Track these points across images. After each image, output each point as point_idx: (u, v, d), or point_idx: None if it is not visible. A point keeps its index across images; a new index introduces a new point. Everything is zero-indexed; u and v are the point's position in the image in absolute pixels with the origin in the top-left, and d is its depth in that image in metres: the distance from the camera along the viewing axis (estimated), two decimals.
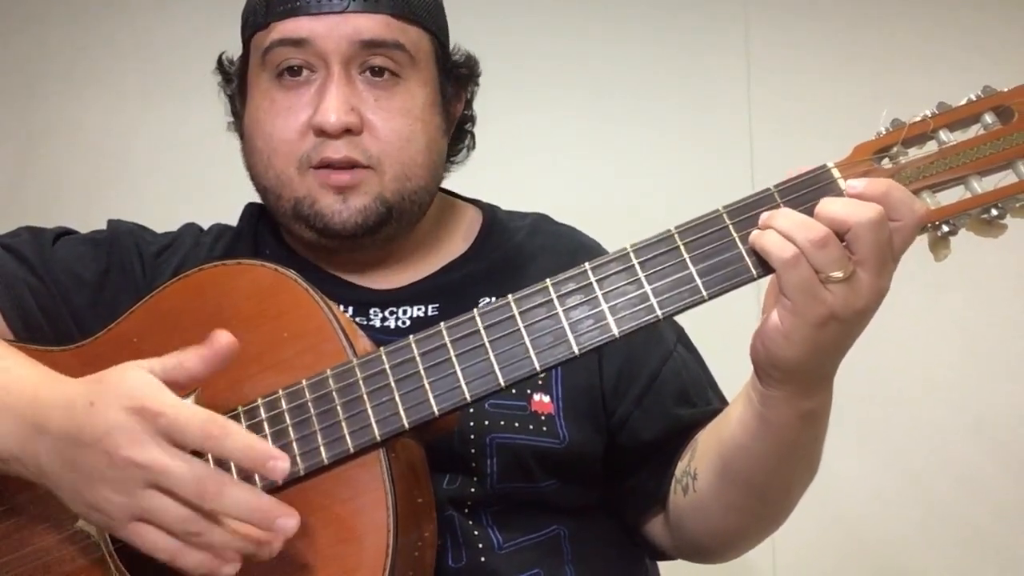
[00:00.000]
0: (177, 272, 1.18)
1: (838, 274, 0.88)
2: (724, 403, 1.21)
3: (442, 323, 0.98)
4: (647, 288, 0.94)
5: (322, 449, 0.96)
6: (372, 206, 1.16)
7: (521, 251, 1.27)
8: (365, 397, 0.96)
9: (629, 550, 1.23)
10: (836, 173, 0.92)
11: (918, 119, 0.92)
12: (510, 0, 2.25)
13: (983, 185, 0.91)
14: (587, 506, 1.18)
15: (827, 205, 0.90)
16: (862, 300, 0.90)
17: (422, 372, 0.97)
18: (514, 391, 1.12)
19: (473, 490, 1.12)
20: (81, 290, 1.21)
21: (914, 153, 0.93)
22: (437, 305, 1.21)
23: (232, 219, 1.34)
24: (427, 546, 1.00)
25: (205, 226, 1.34)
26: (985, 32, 2.12)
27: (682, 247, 0.94)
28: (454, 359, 0.96)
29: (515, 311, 0.96)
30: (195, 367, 0.93)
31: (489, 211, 1.33)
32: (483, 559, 1.10)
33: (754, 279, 0.93)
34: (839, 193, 0.91)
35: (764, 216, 0.92)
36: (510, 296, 0.97)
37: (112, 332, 1.09)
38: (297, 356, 1.00)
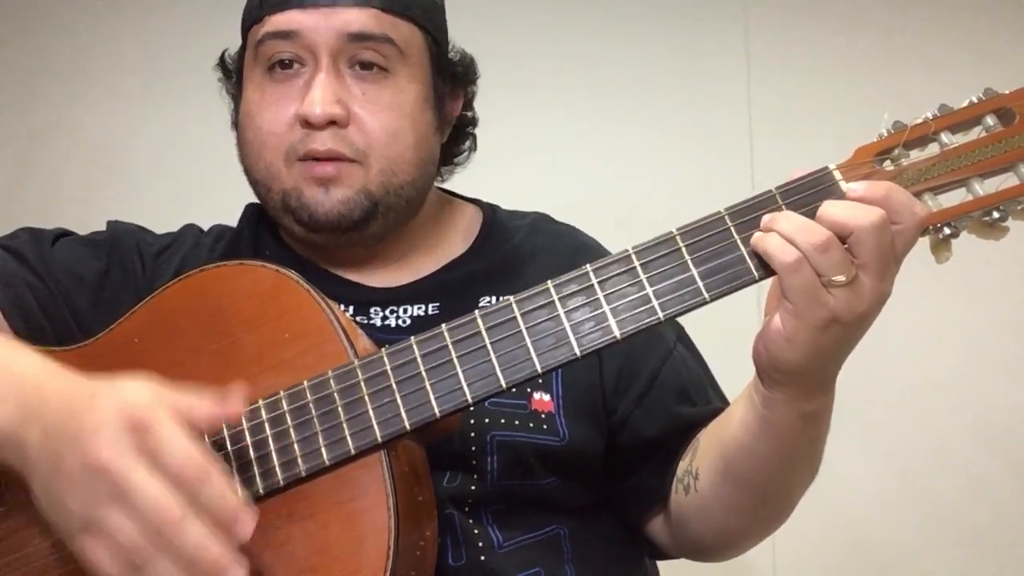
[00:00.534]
0: (178, 273, 1.18)
1: (840, 278, 0.88)
2: (724, 402, 1.21)
3: (443, 324, 0.98)
4: (649, 290, 0.94)
5: (323, 450, 0.95)
6: (355, 198, 1.16)
7: (521, 250, 1.27)
8: (366, 398, 0.96)
9: (629, 549, 1.23)
10: (838, 175, 0.92)
11: (919, 121, 0.92)
12: (510, 0, 2.25)
13: (985, 187, 0.91)
14: (587, 505, 1.18)
15: (829, 208, 0.90)
16: (864, 304, 0.90)
17: (423, 373, 0.96)
18: (514, 389, 1.13)
19: (473, 488, 1.12)
20: (82, 290, 1.21)
21: (915, 155, 0.93)
22: (437, 304, 1.21)
23: (232, 220, 1.33)
24: (428, 545, 1.00)
25: (205, 227, 1.34)
26: (986, 34, 2.12)
27: (684, 249, 0.94)
28: (455, 360, 0.96)
29: (517, 312, 0.96)
30: (201, 420, 0.89)
31: (489, 211, 1.33)
32: (483, 558, 1.10)
33: (756, 281, 0.93)
34: (841, 195, 0.91)
35: (766, 219, 0.92)
36: (512, 297, 0.97)
37: (113, 333, 1.09)
38: (298, 357, 1.00)
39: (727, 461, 1.08)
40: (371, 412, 0.96)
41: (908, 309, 1.79)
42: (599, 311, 0.94)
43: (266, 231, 1.30)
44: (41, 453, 0.89)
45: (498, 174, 1.55)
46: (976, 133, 0.92)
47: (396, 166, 1.17)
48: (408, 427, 0.95)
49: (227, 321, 1.02)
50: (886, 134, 0.93)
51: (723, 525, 1.14)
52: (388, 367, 0.97)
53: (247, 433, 0.98)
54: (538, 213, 1.35)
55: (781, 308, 0.92)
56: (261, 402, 0.98)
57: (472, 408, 0.99)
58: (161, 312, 1.08)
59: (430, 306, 1.21)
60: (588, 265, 0.96)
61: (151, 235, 1.31)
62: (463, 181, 1.34)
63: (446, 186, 1.35)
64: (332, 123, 1.15)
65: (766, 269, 0.91)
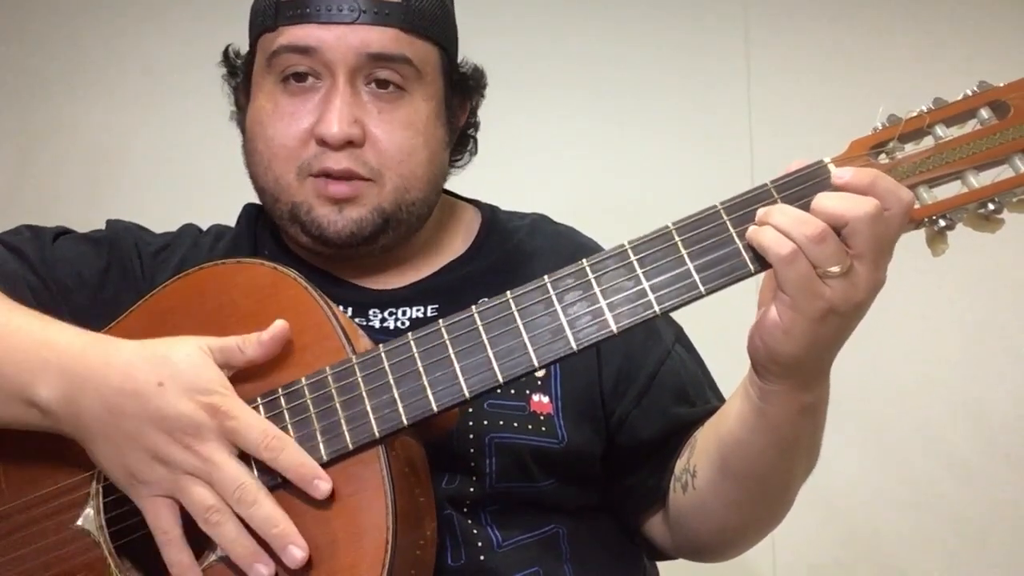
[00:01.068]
0: (177, 271, 1.18)
1: (836, 269, 0.89)
2: (722, 402, 1.21)
3: (440, 320, 0.98)
4: (645, 284, 0.94)
5: (321, 446, 0.96)
6: (368, 217, 1.16)
7: (520, 251, 1.27)
8: (364, 395, 0.96)
9: (627, 549, 1.23)
10: (832, 168, 0.92)
11: (914, 114, 0.92)
12: (510, 0, 2.25)
13: (980, 180, 0.91)
14: (586, 505, 1.18)
15: (823, 200, 0.90)
16: (861, 293, 0.90)
17: (421, 369, 0.97)
18: (513, 391, 1.13)
19: (472, 489, 1.12)
20: (82, 288, 1.21)
21: (911, 148, 0.93)
22: (436, 306, 1.21)
23: (232, 219, 1.33)
24: (428, 544, 1.00)
25: (204, 227, 1.34)
26: (982, 29, 2.12)
27: (679, 243, 0.94)
28: (452, 356, 0.96)
29: (513, 308, 0.96)
30: (253, 353, 0.98)
31: (489, 211, 1.33)
32: (482, 558, 1.10)
33: (752, 274, 0.93)
34: (836, 189, 0.91)
35: (761, 212, 0.92)
36: (508, 293, 0.97)
37: (113, 330, 1.09)
38: (296, 354, 1.00)
39: (725, 457, 1.08)
40: (369, 407, 0.96)
41: (905, 303, 1.81)
42: (596, 305, 0.94)
43: (265, 231, 1.30)
44: (105, 425, 0.96)
45: (498, 174, 1.55)
46: (971, 126, 0.92)
47: (409, 183, 1.17)
48: (405, 422, 0.95)
49: (225, 319, 1.02)
50: (881, 127, 0.93)
51: (722, 522, 1.14)
52: (386, 364, 0.97)
53: None
54: (538, 214, 1.35)
55: (777, 301, 0.92)
56: (259, 400, 0.98)
57: (471, 406, 1.00)
58: (160, 310, 1.08)
59: (429, 308, 1.21)
60: (584, 260, 0.96)
61: (149, 234, 1.31)
62: (463, 181, 1.34)
63: (446, 186, 1.35)
64: (348, 143, 1.14)
65: (762, 262, 0.91)
